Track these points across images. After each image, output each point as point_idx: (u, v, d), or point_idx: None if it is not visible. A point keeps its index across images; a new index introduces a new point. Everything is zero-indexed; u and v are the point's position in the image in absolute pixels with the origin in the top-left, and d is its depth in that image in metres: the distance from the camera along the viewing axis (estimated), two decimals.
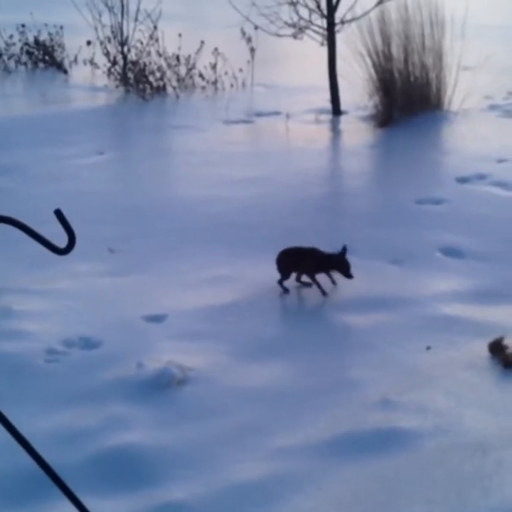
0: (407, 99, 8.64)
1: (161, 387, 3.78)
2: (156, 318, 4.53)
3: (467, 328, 4.31)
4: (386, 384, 3.80)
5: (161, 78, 10.78)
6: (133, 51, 11.25)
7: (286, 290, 4.94)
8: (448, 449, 3.22)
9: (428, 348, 4.12)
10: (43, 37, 12.71)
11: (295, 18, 9.19)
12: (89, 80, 11.50)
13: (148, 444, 3.35)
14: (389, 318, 4.50)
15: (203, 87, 10.81)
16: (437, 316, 4.48)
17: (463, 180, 6.77)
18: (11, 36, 12.58)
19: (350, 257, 5.15)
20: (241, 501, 3.03)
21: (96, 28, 11.25)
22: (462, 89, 8.65)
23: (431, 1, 8.59)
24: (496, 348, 3.98)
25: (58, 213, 1.59)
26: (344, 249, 4.86)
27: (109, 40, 11.33)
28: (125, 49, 11.28)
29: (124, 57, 11.25)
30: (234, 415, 3.58)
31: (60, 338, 4.29)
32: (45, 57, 12.62)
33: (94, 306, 4.72)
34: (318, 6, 9.10)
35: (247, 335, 4.35)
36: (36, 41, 12.68)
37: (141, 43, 11.19)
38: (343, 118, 9.14)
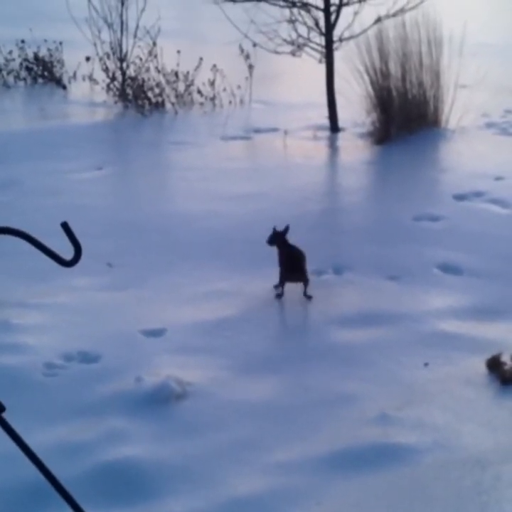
0: (405, 116, 8.68)
1: (160, 401, 3.78)
2: (155, 333, 4.54)
3: (465, 344, 4.33)
4: (383, 399, 3.82)
5: (160, 94, 10.81)
6: (132, 67, 11.27)
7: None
8: (446, 465, 3.23)
9: (426, 364, 4.14)
10: (43, 53, 12.73)
11: (294, 36, 9.23)
12: (88, 96, 11.53)
13: (147, 458, 3.35)
14: (386, 334, 4.51)
15: (202, 104, 10.85)
16: (435, 332, 4.50)
17: (460, 197, 6.80)
18: (10, 52, 12.61)
19: (347, 274, 5.18)
20: None
21: (95, 44, 11.29)
22: (459, 107, 8.69)
23: (429, 19, 8.64)
24: (494, 364, 3.99)
25: (65, 226, 1.61)
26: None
27: (108, 56, 11.36)
28: (124, 65, 11.32)
29: (123, 73, 11.29)
30: (232, 430, 3.59)
31: (59, 351, 4.29)
32: (44, 72, 12.65)
33: (93, 320, 4.73)
34: (317, 24, 9.15)
35: (245, 349, 4.36)
36: (35, 57, 12.71)
37: (140, 59, 11.22)
38: (340, 135, 9.18)
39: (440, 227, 6.17)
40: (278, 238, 5.21)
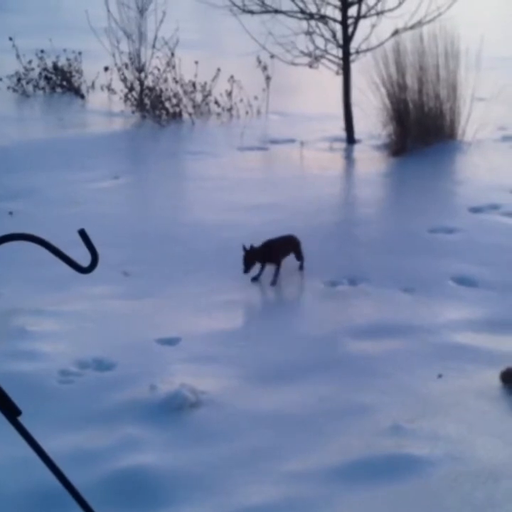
0: (421, 129, 8.69)
1: (174, 409, 3.80)
2: (170, 341, 4.56)
3: (479, 356, 4.32)
4: (397, 411, 3.81)
5: (177, 104, 10.87)
6: (150, 77, 11.36)
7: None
8: (459, 477, 3.23)
9: (439, 375, 4.13)
10: (62, 62, 12.85)
11: (311, 48, 9.28)
12: (106, 106, 11.61)
13: (161, 466, 3.37)
14: (400, 345, 4.51)
15: (219, 114, 10.90)
16: (449, 344, 4.49)
17: (476, 210, 6.79)
18: (29, 61, 12.73)
19: (362, 285, 5.19)
20: None
21: (114, 55, 11.38)
22: (476, 119, 8.70)
23: (446, 32, 8.66)
24: (508, 376, 3.99)
25: (82, 233, 1.63)
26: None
27: (127, 67, 11.45)
28: (142, 75, 11.40)
29: (141, 84, 11.36)
30: (246, 439, 3.59)
31: (74, 359, 4.32)
32: (63, 82, 12.76)
33: (108, 328, 4.76)
34: (334, 36, 9.19)
35: (259, 359, 4.37)
36: (55, 66, 12.82)
37: (158, 69, 11.30)
38: (356, 146, 9.20)
39: (456, 240, 6.16)
40: (252, 255, 5.43)
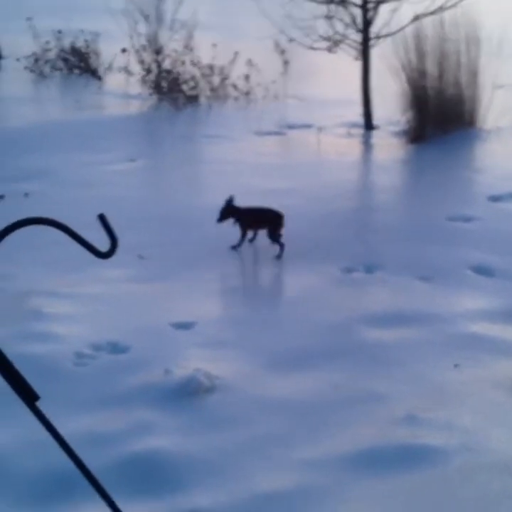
0: (440, 115, 8.62)
1: (188, 394, 3.79)
2: (184, 326, 4.55)
3: (495, 346, 4.29)
4: (412, 400, 3.79)
5: (195, 88, 10.84)
6: (167, 60, 11.32)
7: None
8: (474, 468, 3.20)
9: (456, 365, 4.10)
10: (79, 43, 12.83)
11: (330, 32, 9.21)
12: (122, 87, 11.57)
13: (174, 450, 3.36)
14: (417, 334, 4.48)
15: (236, 98, 10.86)
16: (465, 333, 4.45)
17: (495, 198, 6.73)
18: (47, 42, 12.72)
19: (378, 273, 5.15)
20: (264, 511, 3.03)
21: (131, 37, 11.34)
22: (496, 107, 8.62)
23: (468, 18, 8.56)
24: None
25: (102, 217, 1.60)
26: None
27: (144, 49, 11.41)
28: (160, 58, 11.36)
29: (159, 66, 11.33)
30: (259, 425, 3.58)
31: (89, 341, 4.32)
32: (80, 63, 12.74)
33: (123, 311, 4.75)
34: (354, 21, 9.12)
35: (274, 345, 4.35)
36: (72, 47, 12.80)
37: (176, 52, 11.26)
38: (374, 133, 9.14)
39: (474, 228, 6.12)
40: (230, 210, 5.63)
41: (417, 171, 8.02)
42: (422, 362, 4.15)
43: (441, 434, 3.47)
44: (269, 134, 9.17)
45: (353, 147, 8.75)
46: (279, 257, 5.51)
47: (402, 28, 8.78)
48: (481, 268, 5.36)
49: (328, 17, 9.22)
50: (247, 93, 10.89)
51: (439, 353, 4.24)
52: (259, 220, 5.66)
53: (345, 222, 6.31)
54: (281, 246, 5.53)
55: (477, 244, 5.76)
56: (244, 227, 5.63)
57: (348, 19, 9.16)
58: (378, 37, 9.08)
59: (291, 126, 9.46)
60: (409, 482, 3.18)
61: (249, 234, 5.67)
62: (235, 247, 5.61)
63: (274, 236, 5.57)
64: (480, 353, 4.23)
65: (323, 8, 9.26)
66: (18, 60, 12.64)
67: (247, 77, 10.93)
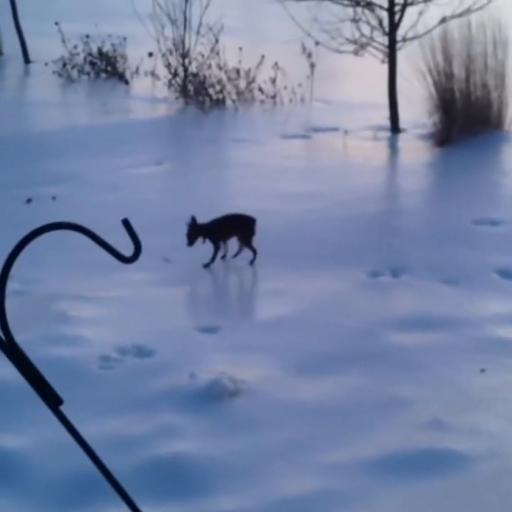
0: (467, 118, 8.56)
1: (213, 398, 3.79)
2: (210, 329, 4.56)
3: None
4: (438, 405, 3.77)
5: (221, 91, 10.86)
6: (194, 64, 11.35)
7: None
8: (501, 473, 3.18)
9: (482, 370, 4.07)
10: (106, 48, 12.90)
11: (357, 35, 9.19)
12: (149, 91, 11.63)
13: (198, 454, 3.37)
14: (442, 338, 4.45)
15: (262, 101, 10.86)
16: (492, 338, 4.42)
17: None
18: (75, 46, 12.80)
19: (404, 277, 5.13)
20: None
21: (158, 40, 11.38)
22: None
23: (495, 20, 8.51)
24: None
25: (126, 222, 1.61)
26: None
27: (171, 53, 11.45)
28: (186, 61, 11.40)
29: (185, 70, 11.36)
30: (284, 429, 3.58)
31: (114, 345, 4.34)
32: (107, 67, 12.81)
33: (149, 314, 4.76)
34: (381, 24, 9.09)
35: (300, 349, 4.35)
36: (99, 52, 12.88)
37: (202, 55, 11.29)
38: (401, 136, 9.10)
39: (501, 232, 6.07)
40: (195, 230, 5.41)
41: (443, 174, 7.97)
42: (447, 366, 4.13)
43: (467, 439, 3.45)
44: (295, 137, 9.16)
45: (379, 150, 8.72)
46: (252, 262, 5.46)
47: (428, 31, 8.73)
48: (507, 272, 5.32)
49: (355, 20, 9.19)
50: (273, 96, 10.89)
51: (465, 357, 4.22)
52: (229, 228, 5.53)
53: (371, 226, 6.29)
54: (254, 251, 5.46)
55: (504, 248, 5.71)
56: (216, 240, 5.48)
57: (374, 22, 9.12)
58: (405, 40, 9.03)
59: (317, 130, 9.45)
60: (434, 487, 3.17)
61: (222, 250, 5.52)
62: (207, 265, 5.43)
63: (246, 241, 5.48)
64: (506, 357, 4.21)
65: (349, 11, 9.23)
66: (46, 64, 12.74)
67: (273, 81, 10.93)
